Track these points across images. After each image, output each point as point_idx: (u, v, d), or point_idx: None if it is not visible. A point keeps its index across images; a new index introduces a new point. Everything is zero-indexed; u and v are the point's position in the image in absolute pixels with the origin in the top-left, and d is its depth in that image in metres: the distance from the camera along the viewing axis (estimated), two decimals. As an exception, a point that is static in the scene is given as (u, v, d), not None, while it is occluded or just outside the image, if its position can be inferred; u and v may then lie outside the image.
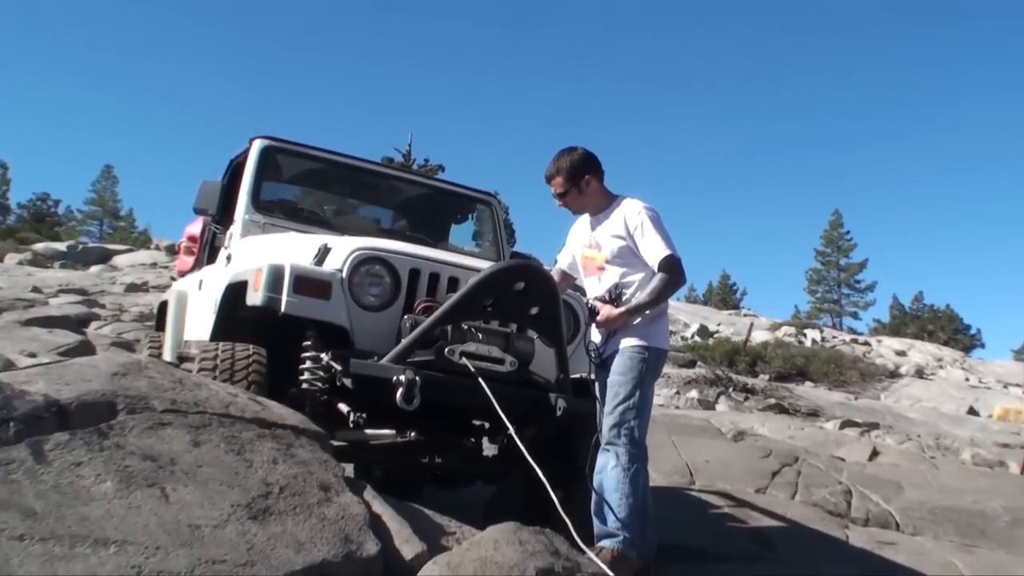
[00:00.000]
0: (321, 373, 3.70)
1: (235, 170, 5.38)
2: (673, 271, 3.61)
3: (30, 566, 2.02)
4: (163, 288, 15.23)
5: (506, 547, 2.77)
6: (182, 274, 6.62)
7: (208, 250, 5.75)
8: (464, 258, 4.52)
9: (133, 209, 57.30)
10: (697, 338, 23.43)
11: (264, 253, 4.28)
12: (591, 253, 3.80)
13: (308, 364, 3.73)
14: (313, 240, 4.20)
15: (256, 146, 5.14)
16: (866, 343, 28.86)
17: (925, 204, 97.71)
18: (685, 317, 28.32)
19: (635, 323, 3.63)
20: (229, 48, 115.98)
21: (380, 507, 2.88)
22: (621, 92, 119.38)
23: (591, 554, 3.20)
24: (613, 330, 3.65)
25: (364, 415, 3.72)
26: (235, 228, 4.95)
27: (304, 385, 3.71)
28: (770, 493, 6.54)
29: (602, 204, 3.81)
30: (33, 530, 2.12)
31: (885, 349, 27.27)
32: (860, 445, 9.33)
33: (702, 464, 7.04)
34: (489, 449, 4.50)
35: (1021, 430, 13.29)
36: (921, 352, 27.61)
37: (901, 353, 26.72)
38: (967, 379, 22.73)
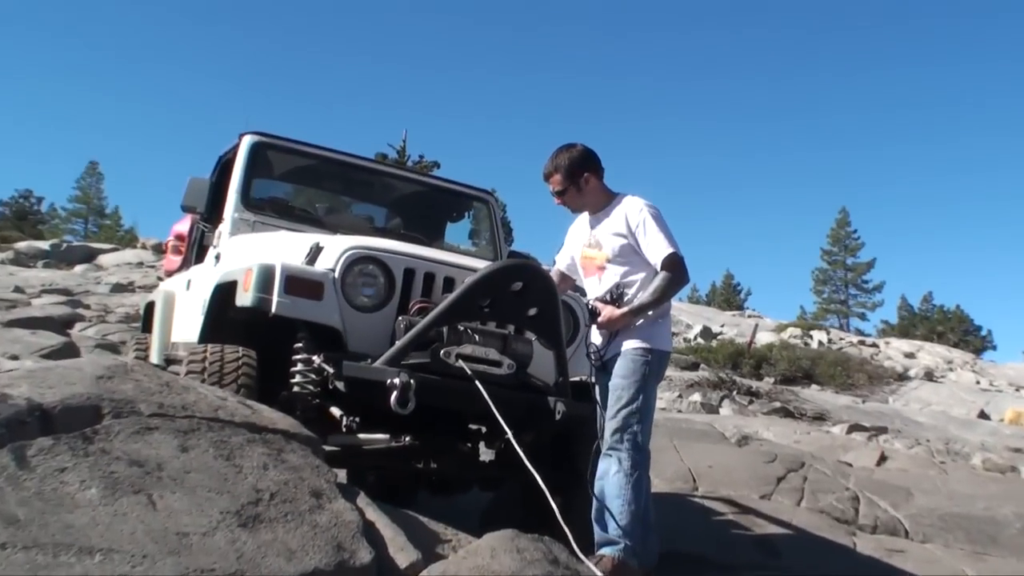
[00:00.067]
0: (313, 376, 3.70)
1: (224, 167, 5.38)
2: (676, 270, 3.61)
3: None
4: (150, 288, 15.22)
5: (503, 555, 2.77)
6: (169, 274, 6.62)
7: (196, 249, 5.75)
8: (460, 257, 4.53)
9: (119, 207, 57.30)
10: (700, 340, 23.44)
11: (254, 252, 4.27)
12: (591, 252, 3.80)
13: (299, 367, 3.72)
14: (305, 239, 4.20)
15: (246, 142, 5.13)
16: (874, 345, 28.89)
17: (935, 202, 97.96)
18: (688, 318, 28.33)
19: (637, 324, 3.63)
20: (218, 42, 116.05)
21: (374, 514, 2.87)
22: (622, 88, 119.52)
23: (589, 564, 3.20)
24: (614, 331, 3.65)
25: (357, 419, 3.73)
26: (224, 227, 4.95)
27: (295, 388, 3.70)
28: (775, 499, 6.54)
29: (602, 202, 3.81)
30: (16, 538, 2.11)
31: (893, 351, 27.29)
32: (868, 450, 9.34)
33: (705, 469, 7.04)
34: (486, 454, 4.50)
35: (1033, 434, 13.31)
36: (930, 354, 27.63)
37: (910, 355, 26.74)
38: (978, 382, 22.77)
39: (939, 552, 5.81)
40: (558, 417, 3.74)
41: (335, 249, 3.88)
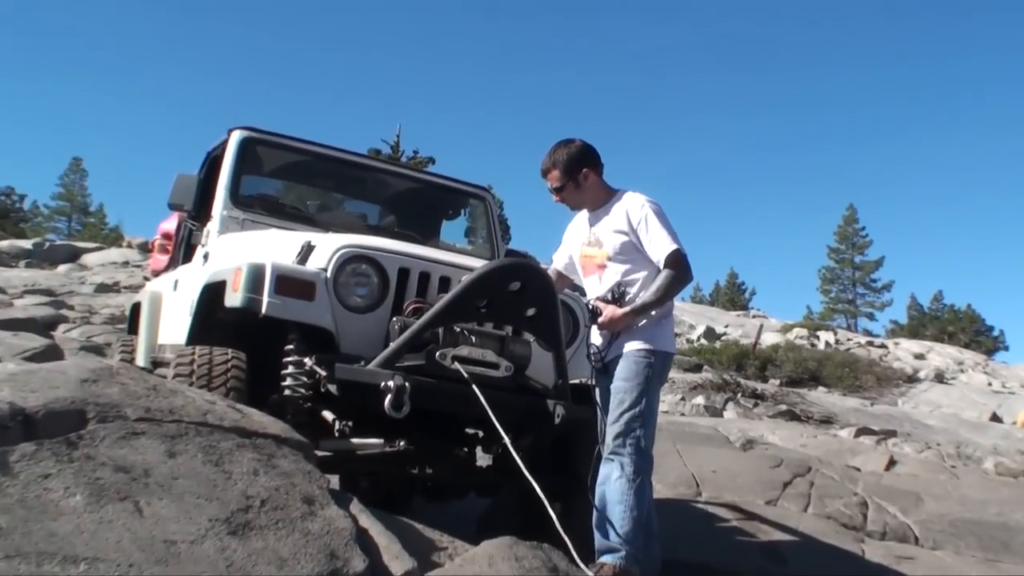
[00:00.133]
0: (304, 379, 3.69)
1: (212, 163, 5.37)
2: (679, 267, 3.60)
3: (-5, 585, 2.02)
4: (136, 289, 15.20)
5: (501, 563, 2.77)
6: (156, 274, 6.62)
7: (184, 248, 5.75)
8: (456, 256, 4.53)
9: (104, 204, 57.28)
10: (703, 341, 23.45)
11: (243, 251, 4.27)
12: (591, 251, 3.79)
13: (291, 369, 3.72)
14: (296, 237, 4.20)
15: (235, 137, 5.13)
16: (882, 345, 28.91)
17: (945, 198, 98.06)
18: (690, 318, 28.34)
19: (639, 325, 3.63)
20: (206, 35, 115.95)
21: (367, 521, 2.88)
22: (622, 83, 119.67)
23: (590, 573, 3.21)
24: (616, 332, 3.65)
25: (350, 423, 3.72)
26: (212, 225, 4.95)
27: (286, 392, 3.70)
28: (781, 505, 6.55)
29: (601, 199, 3.80)
30: (-2, 547, 2.11)
31: (903, 352, 27.32)
32: (876, 454, 9.35)
33: (709, 474, 7.05)
34: (483, 459, 4.51)
35: (1047, 438, 13.32)
36: (941, 355, 27.67)
37: (920, 356, 26.77)
38: (990, 384, 22.79)
39: (950, 559, 5.82)
40: (557, 421, 3.74)
41: (327, 248, 3.88)
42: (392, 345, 3.64)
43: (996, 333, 44.94)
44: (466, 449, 4.44)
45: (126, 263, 25.15)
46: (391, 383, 3.44)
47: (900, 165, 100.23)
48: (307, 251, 3.92)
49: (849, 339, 29.93)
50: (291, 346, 3.75)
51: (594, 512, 3.55)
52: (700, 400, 13.46)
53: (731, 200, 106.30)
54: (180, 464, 2.68)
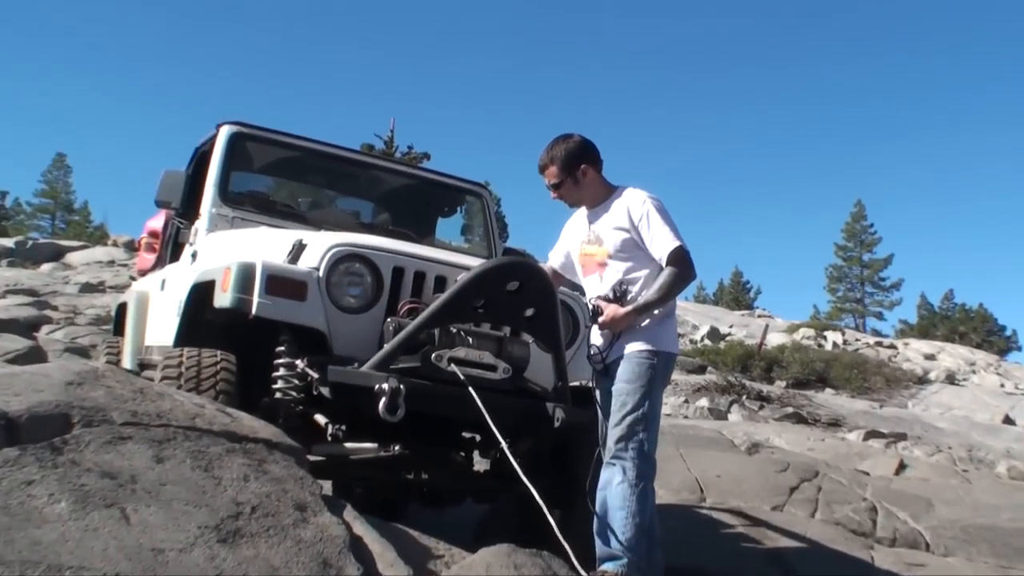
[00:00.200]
0: (296, 381, 3.70)
1: (201, 159, 5.38)
2: (682, 264, 3.60)
3: (-24, 595, 2.01)
4: (122, 288, 15.21)
5: (499, 571, 2.77)
6: (142, 273, 6.61)
7: (171, 247, 5.74)
8: (452, 255, 4.53)
9: (88, 202, 57.50)
10: (707, 341, 23.47)
11: (233, 250, 4.27)
12: (591, 249, 3.79)
13: (282, 372, 3.72)
14: (287, 236, 4.20)
15: (224, 132, 5.13)
16: (892, 346, 28.96)
17: (956, 194, 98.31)
18: (694, 318, 28.36)
19: (642, 325, 3.62)
20: (194, 28, 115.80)
21: (361, 528, 2.88)
22: (623, 78, 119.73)
23: (591, 580, 3.21)
24: (617, 332, 3.65)
25: (343, 427, 3.72)
26: (201, 222, 4.95)
27: (277, 395, 3.70)
28: (788, 511, 6.56)
29: (600, 196, 3.80)
30: (-20, 556, 2.11)
31: (913, 352, 27.36)
32: (886, 458, 9.36)
33: (713, 479, 7.05)
34: (480, 464, 4.51)
35: (1061, 441, 13.33)
36: (952, 356, 27.70)
37: (930, 357, 26.81)
38: (1002, 385, 22.80)
39: (962, 566, 5.83)
40: (557, 424, 3.74)
41: (319, 246, 3.88)
42: (386, 347, 3.65)
43: (1009, 333, 45.08)
44: (463, 454, 4.44)
45: (111, 262, 25.15)
46: (385, 386, 3.44)
47: (909, 160, 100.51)
48: (298, 250, 3.92)
49: (857, 339, 29.97)
50: (282, 348, 3.75)
51: (595, 518, 3.55)
52: (704, 402, 13.47)
53: (735, 197, 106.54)
54: (168, 470, 2.68)
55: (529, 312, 3.77)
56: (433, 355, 3.64)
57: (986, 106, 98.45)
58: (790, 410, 13.55)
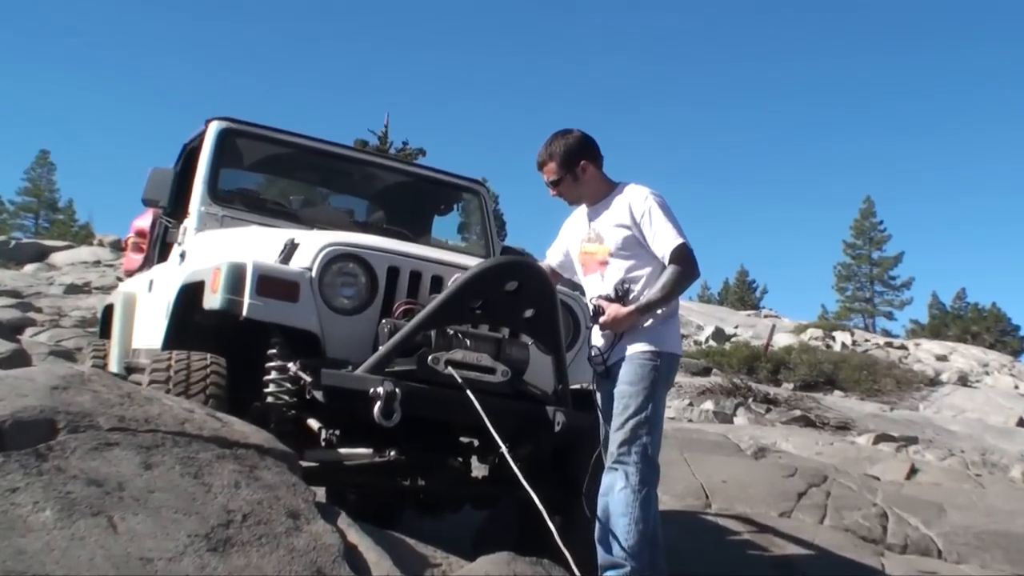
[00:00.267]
0: (288, 385, 3.70)
1: (189, 156, 5.37)
2: (686, 262, 3.60)
3: (-41, 606, 2.02)
4: (108, 290, 15.20)
5: (499, 580, 2.77)
6: (129, 273, 6.61)
7: (159, 246, 5.75)
8: (449, 254, 4.53)
9: (73, 200, 57.11)
10: (712, 342, 23.49)
11: (223, 250, 4.27)
12: (591, 247, 3.79)
13: (273, 375, 3.72)
14: (278, 235, 4.20)
15: (213, 129, 5.13)
16: (902, 347, 28.97)
17: (968, 190, 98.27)
18: (698, 319, 28.38)
19: (644, 325, 3.63)
20: (182, 21, 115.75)
21: (356, 536, 2.88)
22: (625, 72, 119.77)
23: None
24: (619, 333, 3.65)
25: (337, 432, 3.73)
26: (189, 221, 4.95)
27: (269, 399, 3.70)
28: (795, 517, 6.56)
29: (601, 193, 3.80)
30: (-37, 566, 2.11)
31: (924, 353, 27.37)
32: (896, 462, 9.37)
33: (719, 485, 7.06)
34: (479, 470, 4.50)
35: (1077, 444, 13.34)
36: (964, 356, 27.70)
37: (942, 358, 26.82)
38: (1017, 387, 22.81)
39: (975, 573, 5.83)
40: (558, 429, 3.74)
41: (312, 246, 3.88)
42: (381, 349, 3.64)
43: (1023, 333, 45.03)
44: (460, 459, 4.43)
45: (97, 262, 25.15)
46: (380, 389, 3.44)
47: (920, 155, 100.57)
48: (290, 249, 3.92)
49: (867, 340, 29.99)
50: (274, 350, 3.75)
51: (596, 525, 3.55)
52: (709, 405, 13.48)
53: (740, 193, 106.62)
54: (156, 477, 2.68)
55: (528, 313, 3.77)
56: (430, 357, 3.63)
57: (999, 100, 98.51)
58: (798, 413, 13.56)
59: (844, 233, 55.36)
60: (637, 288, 3.65)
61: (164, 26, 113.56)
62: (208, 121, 5.19)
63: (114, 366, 5.65)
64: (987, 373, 24.85)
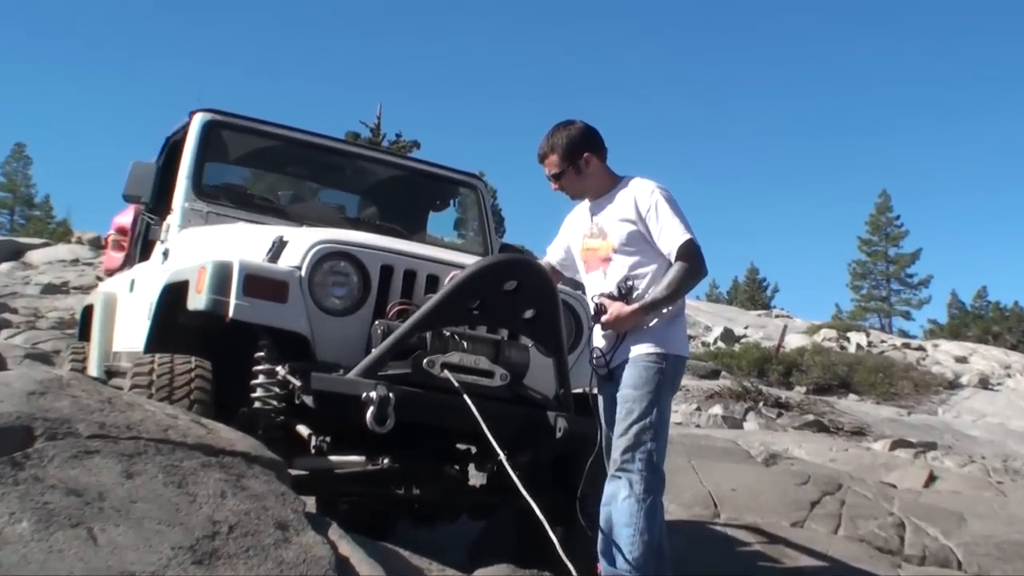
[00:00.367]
0: (277, 390, 3.70)
1: (172, 149, 5.37)
2: (693, 259, 3.59)
3: (-67, 622, 2.02)
4: (87, 290, 15.20)
5: (498, 594, 2.78)
6: (110, 273, 6.61)
7: (141, 244, 5.74)
8: (445, 252, 4.53)
9: (50, 196, 57.26)
10: (721, 344, 23.51)
11: (208, 248, 4.27)
12: (594, 243, 3.78)
13: (261, 379, 3.72)
14: (266, 232, 4.20)
15: (197, 121, 5.13)
16: (920, 348, 28.99)
17: (988, 185, 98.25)
18: (707, 319, 28.39)
19: (649, 325, 3.62)
20: (166, 9, 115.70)
21: (348, 548, 2.88)
22: (629, 62, 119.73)
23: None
24: (622, 333, 3.64)
25: (328, 439, 3.73)
26: (173, 218, 4.95)
27: (257, 404, 3.71)
28: (808, 527, 6.56)
29: (604, 186, 3.80)
30: (-64, 580, 2.12)
31: (943, 355, 27.39)
32: (914, 469, 9.37)
33: (728, 493, 7.06)
34: (476, 478, 4.51)
35: (1103, 449, 13.36)
36: (985, 358, 27.71)
37: (962, 359, 26.84)
38: (1039, 390, 22.85)
39: (996, 585, 5.84)
40: (559, 435, 3.74)
41: (301, 244, 3.88)
42: (374, 352, 3.65)
43: (1047, 333, 45.06)
44: (457, 467, 4.45)
45: (76, 261, 25.14)
46: (373, 394, 3.44)
47: (938, 148, 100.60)
48: (279, 247, 3.92)
49: (883, 341, 30.01)
50: (262, 353, 3.75)
51: (599, 535, 3.55)
52: (717, 410, 13.50)
53: (750, 188, 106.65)
54: (139, 486, 2.68)
55: (528, 313, 3.77)
56: (425, 360, 3.64)
57: (1021, 90, 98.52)
58: (811, 418, 13.58)
59: (859, 229, 55.49)
60: (641, 286, 3.64)
61: (146, 15, 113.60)
62: (192, 113, 5.19)
63: (94, 370, 5.65)
64: (1009, 375, 24.86)
